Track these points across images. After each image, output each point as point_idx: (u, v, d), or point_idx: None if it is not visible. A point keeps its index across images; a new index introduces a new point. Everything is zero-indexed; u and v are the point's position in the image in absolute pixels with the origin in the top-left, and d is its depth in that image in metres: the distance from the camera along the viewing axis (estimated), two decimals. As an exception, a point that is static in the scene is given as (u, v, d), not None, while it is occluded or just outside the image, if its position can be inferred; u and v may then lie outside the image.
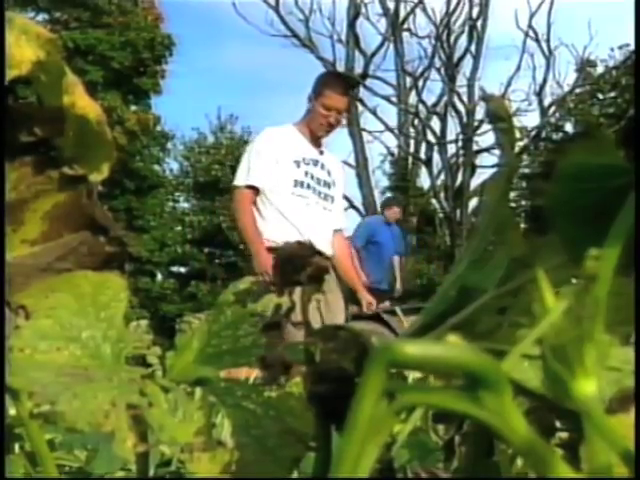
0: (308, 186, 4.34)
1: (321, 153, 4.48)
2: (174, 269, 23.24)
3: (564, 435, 0.64)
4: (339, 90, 4.40)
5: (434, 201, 21.18)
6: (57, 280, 0.69)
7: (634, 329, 0.46)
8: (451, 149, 19.88)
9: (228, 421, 0.63)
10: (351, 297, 8.61)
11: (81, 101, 0.70)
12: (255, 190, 4.25)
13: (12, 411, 0.79)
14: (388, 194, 19.47)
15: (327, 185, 4.46)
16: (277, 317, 0.54)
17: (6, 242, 0.69)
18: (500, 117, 0.52)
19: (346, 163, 17.57)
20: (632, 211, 0.44)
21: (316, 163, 4.41)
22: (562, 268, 0.48)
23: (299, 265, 0.50)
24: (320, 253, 4.14)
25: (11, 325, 0.64)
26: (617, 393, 0.40)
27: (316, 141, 4.44)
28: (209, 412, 0.62)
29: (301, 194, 4.31)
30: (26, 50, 0.66)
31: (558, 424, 0.62)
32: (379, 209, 9.75)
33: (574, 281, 0.48)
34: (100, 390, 0.57)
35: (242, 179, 4.28)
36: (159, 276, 22.78)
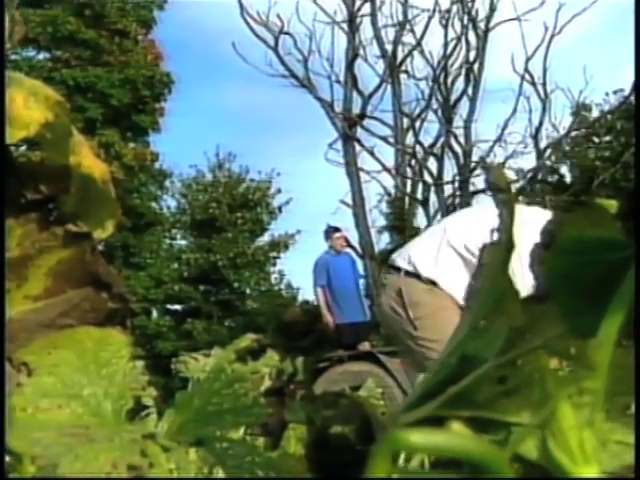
0: None
1: None
2: (170, 307, 23.18)
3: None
4: None
5: (431, 241, 21.12)
6: (59, 336, 0.70)
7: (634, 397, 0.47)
8: (448, 190, 19.94)
9: (228, 482, 0.62)
10: (363, 333, 8.46)
11: (87, 161, 0.71)
12: None
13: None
14: (385, 234, 19.51)
15: None
16: (279, 383, 0.54)
17: (9, 298, 0.69)
18: (500, 188, 0.53)
19: (343, 202, 17.57)
20: (632, 286, 0.44)
21: None
22: (561, 338, 0.49)
23: (303, 331, 0.50)
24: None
25: (13, 382, 0.64)
26: (617, 468, 0.40)
27: None
28: (209, 473, 0.62)
29: None
30: (34, 112, 0.67)
31: None
32: (328, 242, 9.39)
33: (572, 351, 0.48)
34: (101, 451, 0.57)
35: None
36: (155, 313, 22.70)
